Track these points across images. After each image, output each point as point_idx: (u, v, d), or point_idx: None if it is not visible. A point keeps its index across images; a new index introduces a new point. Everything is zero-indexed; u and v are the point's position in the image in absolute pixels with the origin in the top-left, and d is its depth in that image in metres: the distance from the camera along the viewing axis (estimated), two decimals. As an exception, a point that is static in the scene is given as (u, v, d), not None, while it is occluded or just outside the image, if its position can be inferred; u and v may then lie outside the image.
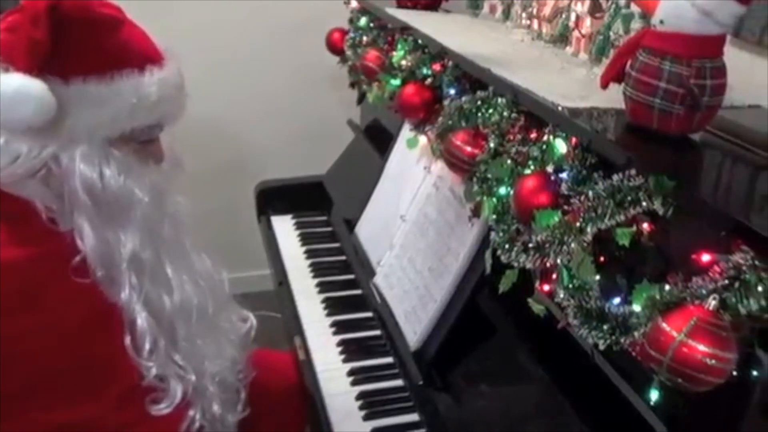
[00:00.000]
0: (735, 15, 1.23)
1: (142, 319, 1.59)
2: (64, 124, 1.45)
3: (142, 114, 1.55)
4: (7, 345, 1.45)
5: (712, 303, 1.02)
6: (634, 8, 1.77)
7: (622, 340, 1.18)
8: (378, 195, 2.52)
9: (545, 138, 1.48)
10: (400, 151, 2.43)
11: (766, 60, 1.68)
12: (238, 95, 3.80)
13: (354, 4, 2.83)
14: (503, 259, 1.49)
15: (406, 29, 2.26)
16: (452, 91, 1.91)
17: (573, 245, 1.28)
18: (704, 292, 1.03)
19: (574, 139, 1.41)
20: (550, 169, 1.43)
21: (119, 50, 1.53)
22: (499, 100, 1.68)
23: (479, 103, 1.72)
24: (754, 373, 1.06)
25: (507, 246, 1.49)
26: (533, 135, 1.54)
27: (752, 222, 1.03)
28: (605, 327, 1.21)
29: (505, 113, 1.65)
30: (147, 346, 1.61)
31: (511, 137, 1.60)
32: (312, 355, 2.16)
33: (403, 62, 2.16)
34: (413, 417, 1.92)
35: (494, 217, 1.56)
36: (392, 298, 2.15)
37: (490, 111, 1.69)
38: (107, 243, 1.53)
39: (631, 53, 1.35)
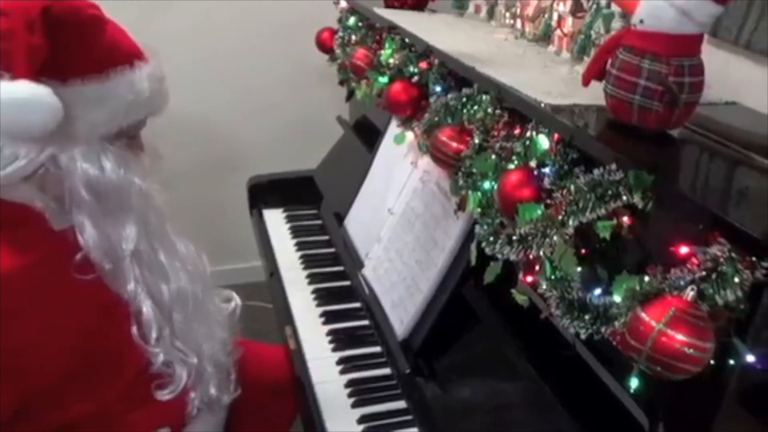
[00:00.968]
0: (712, 15, 1.23)
1: (147, 308, 1.59)
2: (64, 126, 1.43)
3: (137, 109, 1.56)
4: (23, 352, 1.44)
5: (690, 294, 1.01)
6: (615, 8, 1.77)
7: (603, 330, 1.17)
8: (366, 189, 2.52)
9: (528, 134, 1.47)
10: (387, 146, 2.42)
11: (743, 58, 1.68)
12: (231, 93, 3.82)
13: (343, 4, 2.83)
14: (488, 251, 1.49)
15: (393, 29, 2.25)
16: (438, 89, 1.91)
17: (555, 238, 1.28)
18: (682, 283, 1.03)
19: (556, 135, 1.40)
20: (533, 164, 1.43)
21: (110, 49, 1.52)
22: (484, 97, 1.67)
23: (464, 100, 1.72)
24: (731, 361, 1.06)
25: (491, 239, 1.48)
26: (517, 131, 1.54)
27: (729, 215, 1.03)
28: (586, 317, 1.21)
29: (489, 110, 1.64)
30: (153, 334, 1.61)
31: (496, 133, 1.60)
32: (302, 345, 2.16)
33: (391, 60, 2.16)
34: (400, 404, 1.91)
35: (479, 210, 1.56)
36: (380, 289, 2.15)
37: (475, 108, 1.68)
38: (109, 237, 1.53)
39: (612, 52, 1.35)
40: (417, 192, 2.12)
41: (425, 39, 2.04)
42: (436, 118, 1.78)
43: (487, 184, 1.55)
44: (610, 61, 1.35)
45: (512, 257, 1.41)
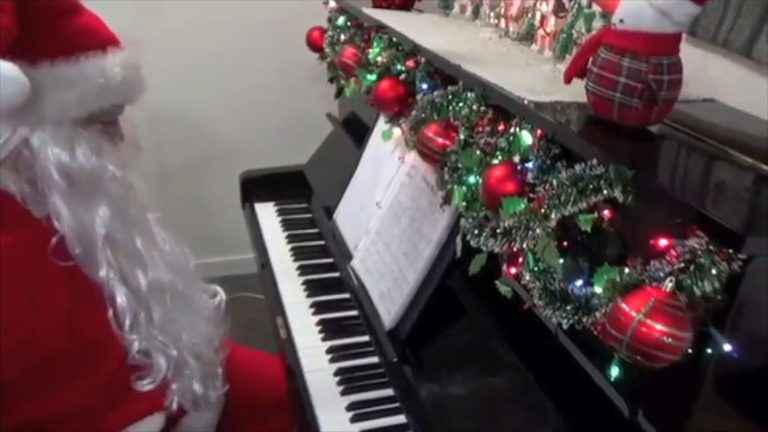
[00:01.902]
0: (690, 14, 1.23)
1: (121, 295, 1.57)
2: (34, 106, 1.42)
3: (109, 94, 1.54)
4: (6, 331, 1.43)
5: (668, 285, 1.02)
6: (596, 8, 1.76)
7: (584, 320, 1.18)
8: (355, 183, 2.51)
9: (512, 130, 1.47)
10: (375, 142, 2.42)
11: (720, 57, 1.68)
12: (224, 90, 3.81)
13: (332, 4, 2.82)
14: (472, 243, 1.49)
15: (381, 28, 2.25)
16: (425, 86, 1.90)
17: (538, 231, 1.28)
18: (661, 274, 1.03)
19: (539, 131, 1.40)
20: (516, 159, 1.42)
21: (82, 33, 1.51)
22: (469, 94, 1.67)
23: (450, 97, 1.72)
24: (708, 350, 1.06)
25: (476, 231, 1.48)
26: (501, 127, 1.54)
27: (707, 209, 1.02)
28: (568, 307, 1.21)
29: (474, 107, 1.64)
30: (128, 321, 1.59)
31: (480, 129, 1.60)
32: (293, 334, 2.16)
33: (379, 59, 2.15)
34: (388, 392, 1.92)
35: (464, 204, 1.56)
36: (368, 280, 2.14)
37: (461, 105, 1.68)
38: (82, 222, 1.51)
39: (593, 50, 1.35)
40: (404, 186, 2.12)
41: (412, 38, 2.03)
42: (423, 115, 1.77)
43: (472, 179, 1.55)
44: (591, 59, 1.35)
45: (496, 249, 1.41)
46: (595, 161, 1.20)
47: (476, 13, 2.58)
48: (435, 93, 1.78)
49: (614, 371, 1.12)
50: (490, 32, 2.37)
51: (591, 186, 1.19)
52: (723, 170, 1.30)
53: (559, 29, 1.97)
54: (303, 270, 2.51)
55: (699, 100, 1.66)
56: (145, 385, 1.64)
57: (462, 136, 1.62)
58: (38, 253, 1.48)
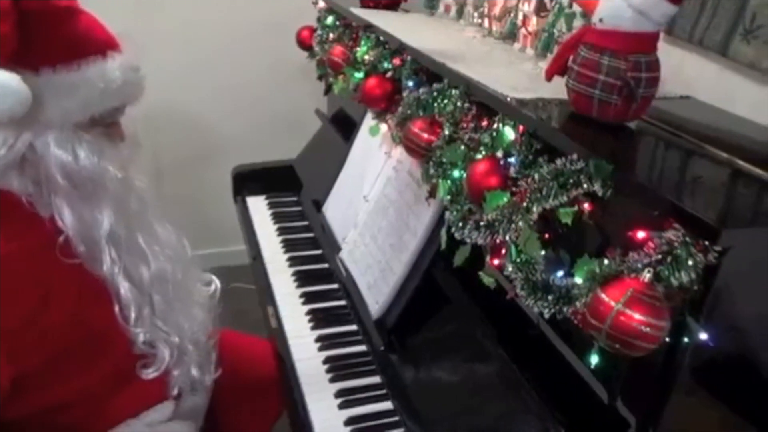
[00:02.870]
0: (667, 14, 1.23)
1: (125, 290, 1.57)
2: (37, 113, 1.41)
3: (110, 97, 1.52)
4: (13, 334, 1.42)
5: (646, 276, 1.02)
6: (576, 8, 1.76)
7: (565, 310, 1.17)
8: (343, 177, 2.51)
9: (495, 126, 1.47)
10: (363, 137, 2.41)
11: (696, 55, 1.68)
12: (218, 88, 3.82)
13: (321, 4, 2.82)
14: (457, 236, 1.49)
15: (368, 27, 2.24)
16: (410, 84, 1.90)
17: (520, 223, 1.27)
18: (640, 265, 1.03)
19: (521, 127, 1.40)
20: (499, 154, 1.42)
21: (82, 38, 1.49)
22: (453, 91, 1.66)
23: (435, 94, 1.71)
24: (685, 339, 1.06)
25: (460, 224, 1.48)
26: (484, 123, 1.53)
27: (683, 202, 1.03)
28: (550, 297, 1.20)
29: (458, 103, 1.64)
30: (133, 314, 1.59)
31: (464, 125, 1.60)
32: (283, 324, 2.15)
33: (366, 57, 2.15)
34: (375, 379, 1.91)
35: (449, 197, 1.56)
36: (356, 271, 2.14)
37: (445, 101, 1.68)
38: (85, 221, 1.50)
39: (574, 49, 1.35)
40: (391, 180, 2.11)
41: (399, 37, 2.02)
42: (409, 111, 1.77)
43: (456, 173, 1.55)
44: (571, 57, 1.35)
45: (480, 241, 1.41)
46: (575, 156, 1.19)
47: (460, 13, 2.58)
48: (420, 90, 1.77)
49: (594, 359, 1.12)
50: (474, 31, 2.37)
51: (571, 180, 1.19)
52: (699, 165, 1.30)
53: (541, 28, 1.97)
54: (293, 261, 2.50)
55: (676, 97, 1.66)
56: (150, 374, 1.65)
57: (447, 132, 1.62)
58: (47, 253, 1.47)
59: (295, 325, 2.15)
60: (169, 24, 3.54)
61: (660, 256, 1.01)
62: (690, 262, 0.99)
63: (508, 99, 1.48)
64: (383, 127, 2.07)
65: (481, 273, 1.45)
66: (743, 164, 1.23)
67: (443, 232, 1.63)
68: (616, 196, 1.14)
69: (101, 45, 1.51)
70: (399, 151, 2.00)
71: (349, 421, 1.78)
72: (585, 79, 1.29)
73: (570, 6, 1.83)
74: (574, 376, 1.33)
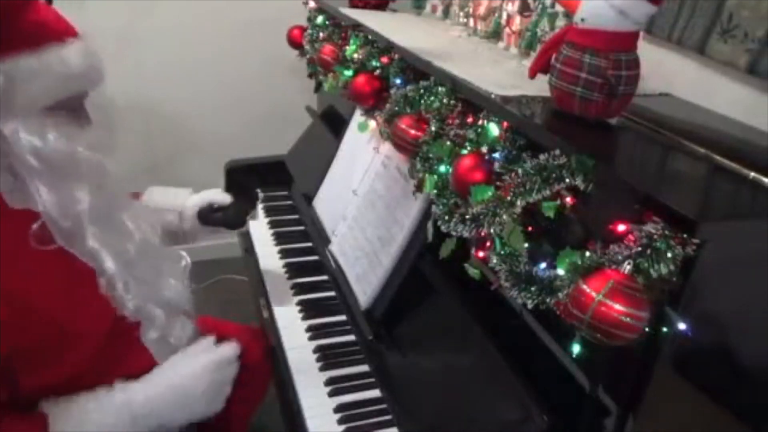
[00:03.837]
0: (647, 14, 1.22)
1: (109, 263, 1.56)
2: (3, 99, 1.40)
3: (71, 82, 1.51)
4: (18, 303, 1.43)
5: (627, 267, 1.02)
6: (559, 8, 1.76)
7: (548, 300, 1.17)
8: (333, 172, 2.51)
9: (480, 122, 1.47)
10: (352, 133, 2.41)
11: (675, 53, 1.68)
12: (211, 85, 3.82)
13: (312, 4, 2.80)
14: (443, 229, 1.49)
15: (357, 26, 2.23)
16: (398, 81, 1.90)
17: (505, 217, 1.27)
18: (620, 257, 1.03)
19: (505, 123, 1.40)
20: (484, 149, 1.42)
21: (42, 25, 1.47)
22: (440, 88, 1.66)
23: (422, 91, 1.71)
24: (664, 329, 1.06)
25: (446, 217, 1.48)
26: (470, 119, 1.53)
27: (663, 196, 1.02)
28: (533, 289, 1.20)
29: (444, 100, 1.64)
30: (120, 285, 1.59)
31: (450, 122, 1.59)
32: (274, 314, 2.16)
33: (355, 55, 2.14)
34: (364, 368, 1.92)
35: (435, 191, 1.55)
36: (345, 263, 2.14)
37: (432, 98, 1.67)
38: (64, 199, 1.49)
39: (556, 47, 1.34)
40: (379, 175, 2.11)
41: (387, 36, 2.02)
42: (397, 108, 1.77)
43: (442, 168, 1.55)
44: (554, 56, 1.35)
45: (465, 234, 1.40)
46: (558, 152, 1.19)
47: (446, 12, 2.58)
48: (408, 87, 1.77)
49: (576, 349, 1.12)
50: (460, 31, 2.36)
51: (554, 175, 1.19)
52: (678, 160, 1.30)
53: (525, 28, 1.97)
54: (284, 253, 2.50)
55: (655, 95, 1.66)
56: (153, 335, 1.68)
57: (433, 128, 1.62)
58: (22, 241, 1.46)
59: (286, 315, 2.16)
60: (162, 23, 3.54)
61: (640, 249, 1.02)
62: (669, 255, 0.99)
63: (493, 96, 1.48)
64: (372, 123, 2.07)
65: (466, 265, 1.45)
66: (721, 159, 1.23)
67: (430, 225, 1.63)
68: (597, 190, 1.14)
69: (59, 32, 1.50)
70: (387, 147, 2.00)
71: (338, 408, 1.78)
72: (567, 77, 1.29)
73: (553, 6, 1.83)
74: (556, 364, 1.34)
